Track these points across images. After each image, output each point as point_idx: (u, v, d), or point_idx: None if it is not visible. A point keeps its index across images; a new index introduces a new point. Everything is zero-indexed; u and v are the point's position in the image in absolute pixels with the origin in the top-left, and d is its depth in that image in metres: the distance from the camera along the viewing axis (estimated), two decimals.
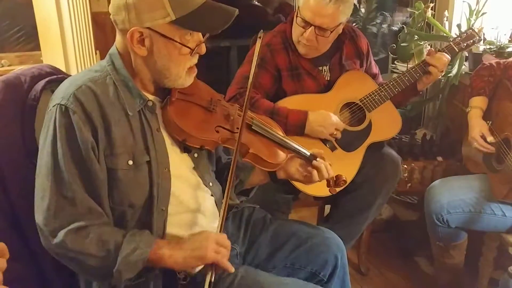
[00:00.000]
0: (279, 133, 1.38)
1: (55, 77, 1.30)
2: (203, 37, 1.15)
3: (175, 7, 1.08)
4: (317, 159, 1.36)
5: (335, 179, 1.40)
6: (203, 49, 1.16)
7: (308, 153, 1.38)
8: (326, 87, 1.92)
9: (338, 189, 1.40)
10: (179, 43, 1.11)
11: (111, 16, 1.14)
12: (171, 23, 1.09)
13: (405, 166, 2.27)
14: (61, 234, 1.06)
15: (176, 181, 1.20)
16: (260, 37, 1.21)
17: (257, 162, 1.29)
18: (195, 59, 1.18)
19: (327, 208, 2.20)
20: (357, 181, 1.86)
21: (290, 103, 1.84)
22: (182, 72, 1.16)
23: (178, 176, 1.20)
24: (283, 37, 1.88)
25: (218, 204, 1.31)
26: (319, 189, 1.76)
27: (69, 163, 1.07)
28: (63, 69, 1.62)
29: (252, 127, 1.32)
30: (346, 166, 1.81)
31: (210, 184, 1.29)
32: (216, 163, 1.39)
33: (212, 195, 1.29)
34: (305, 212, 2.52)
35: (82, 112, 1.08)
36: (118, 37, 1.16)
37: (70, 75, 1.25)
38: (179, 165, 1.22)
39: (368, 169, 1.88)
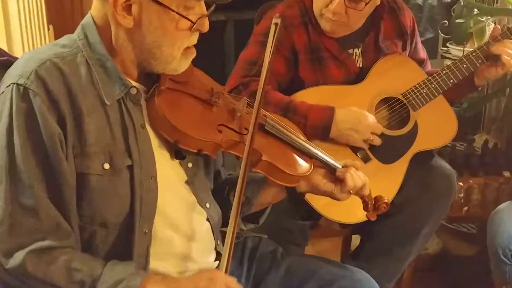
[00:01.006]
0: (300, 136, 1.41)
1: None
2: (208, 9, 1.18)
3: None
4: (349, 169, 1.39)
5: (373, 201, 1.42)
6: (205, 25, 1.17)
7: (340, 165, 1.40)
8: (358, 77, 1.93)
9: (376, 215, 1.43)
10: (178, 13, 1.13)
11: None
12: None
13: (461, 183, 2.28)
14: (18, 256, 1.07)
15: (164, 194, 1.21)
16: (276, 24, 1.21)
17: (272, 174, 1.31)
18: (194, 38, 1.19)
19: (355, 238, 2.21)
20: (397, 203, 1.86)
21: (309, 96, 1.86)
22: (177, 53, 1.18)
23: (167, 189, 1.22)
24: (301, 8, 1.90)
25: (214, 231, 1.32)
26: (348, 213, 1.77)
27: (30, 160, 1.08)
28: (5, 49, 1.61)
29: (266, 128, 1.33)
30: (383, 182, 1.81)
31: (207, 205, 1.31)
32: (213, 180, 1.40)
33: (208, 220, 1.30)
34: (326, 244, 2.53)
35: (46, 95, 1.09)
36: (97, 3, 1.17)
37: (17, 58, 1.24)
38: (169, 174, 1.24)
39: (412, 187, 1.89)
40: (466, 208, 2.31)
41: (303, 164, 1.36)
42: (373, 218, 1.43)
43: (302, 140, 1.39)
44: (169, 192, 1.22)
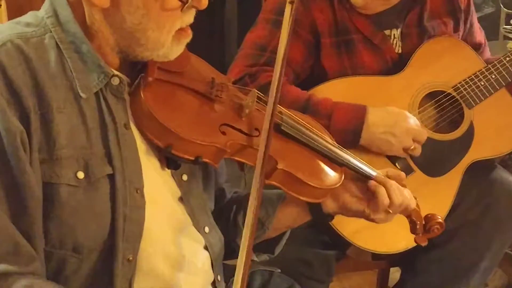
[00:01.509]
0: (326, 138, 1.42)
1: None
2: None
3: None
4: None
5: (424, 221, 1.43)
6: (203, 1, 1.19)
7: (374, 173, 1.41)
8: (396, 65, 1.95)
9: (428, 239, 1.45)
10: None
11: None
12: None
13: None
14: None
15: (153, 212, 1.22)
16: (292, 2, 1.22)
17: (290, 186, 1.31)
18: (189, 17, 1.21)
19: (394, 272, 2.22)
20: (448, 229, 1.84)
21: (334, 91, 1.88)
22: (167, 37, 1.19)
23: (155, 206, 1.23)
24: None
25: (214, 264, 1.33)
26: (387, 239, 1.78)
27: None
28: None
29: (282, 128, 1.34)
30: (429, 201, 1.78)
31: (206, 229, 1.32)
32: (216, 199, 1.42)
33: (206, 248, 1.31)
34: (357, 279, 2.54)
35: (5, 85, 1.10)
36: None
37: None
38: (158, 187, 1.26)
39: (467, 207, 1.91)
40: None
41: (330, 174, 1.37)
42: (424, 243, 1.44)
43: (329, 143, 1.40)
44: (158, 210, 1.24)
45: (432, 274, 1.92)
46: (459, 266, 1.91)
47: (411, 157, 1.86)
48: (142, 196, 1.20)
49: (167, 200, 1.27)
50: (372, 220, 1.41)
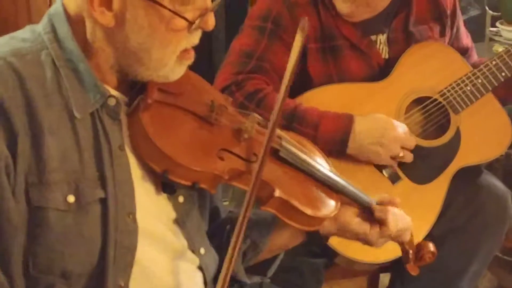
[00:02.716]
0: (324, 163, 1.41)
1: None
2: (213, 2, 1.18)
3: None
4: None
5: (416, 249, 1.43)
6: (210, 23, 1.18)
7: (374, 202, 1.41)
8: (382, 71, 1.95)
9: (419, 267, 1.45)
10: (170, 10, 1.13)
11: None
12: None
13: None
14: None
15: (145, 239, 1.20)
16: (303, 29, 1.18)
17: (286, 214, 1.30)
18: (195, 38, 1.20)
19: (383, 277, 2.22)
20: (437, 234, 1.88)
21: (319, 98, 1.88)
22: (171, 58, 1.19)
23: (148, 232, 1.21)
24: None
25: (208, 284, 1.32)
26: (372, 249, 1.75)
27: None
28: None
29: (280, 154, 1.32)
30: (417, 209, 1.82)
31: (202, 251, 1.31)
32: (210, 219, 1.41)
33: (201, 269, 1.31)
34: (347, 285, 2.51)
35: None
36: None
37: None
38: (152, 211, 1.24)
39: (455, 213, 1.91)
40: None
41: (327, 202, 1.36)
42: (415, 273, 1.44)
43: (328, 169, 1.39)
44: (150, 235, 1.22)
45: (421, 279, 1.88)
46: (449, 271, 1.92)
47: (399, 164, 1.86)
48: (135, 221, 1.18)
49: (161, 225, 1.25)
50: (371, 244, 1.40)
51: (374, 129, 1.80)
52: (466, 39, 2.10)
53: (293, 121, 1.78)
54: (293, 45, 1.19)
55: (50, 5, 1.24)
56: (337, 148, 1.80)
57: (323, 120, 1.79)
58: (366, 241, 1.40)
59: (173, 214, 1.27)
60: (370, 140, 1.79)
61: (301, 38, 1.18)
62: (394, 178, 1.86)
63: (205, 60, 2.95)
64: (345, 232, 1.41)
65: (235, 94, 1.79)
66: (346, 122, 1.80)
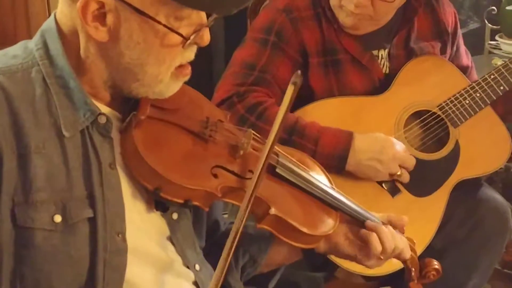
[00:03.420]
0: (323, 179, 1.40)
1: None
2: (208, 18, 1.16)
3: None
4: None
5: (419, 267, 1.42)
6: (205, 38, 1.17)
7: (378, 220, 1.40)
8: (383, 85, 1.96)
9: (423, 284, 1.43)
10: (165, 26, 1.12)
11: None
12: None
13: None
14: None
15: (135, 259, 1.19)
16: (295, 84, 1.14)
17: (282, 232, 1.29)
18: (189, 54, 1.19)
19: None
20: (437, 246, 1.89)
21: (320, 111, 1.89)
22: (166, 74, 1.18)
23: (138, 250, 1.20)
24: None
25: None
26: None
27: None
28: None
29: (277, 170, 1.31)
30: (417, 222, 1.81)
31: (196, 267, 1.30)
32: (209, 233, 1.40)
33: (196, 284, 1.29)
34: None
35: None
36: (63, 5, 1.17)
37: None
38: (143, 230, 1.22)
39: (454, 226, 1.91)
40: None
41: (324, 220, 1.35)
42: None
43: (326, 185, 1.38)
44: (141, 254, 1.21)
45: None
46: (449, 285, 1.91)
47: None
48: (124, 240, 1.16)
49: (152, 242, 1.23)
50: (363, 265, 1.40)
51: (374, 146, 1.80)
52: (466, 58, 2.11)
53: (293, 134, 1.78)
54: (285, 95, 1.16)
55: None
56: (336, 164, 1.80)
57: (323, 135, 1.80)
58: (359, 262, 1.40)
59: (166, 231, 1.25)
60: (369, 157, 1.80)
61: (292, 92, 1.14)
62: (393, 191, 1.86)
63: (205, 71, 2.96)
64: (336, 253, 1.40)
65: (236, 105, 1.80)
66: (346, 139, 1.80)
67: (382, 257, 1.37)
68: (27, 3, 2.10)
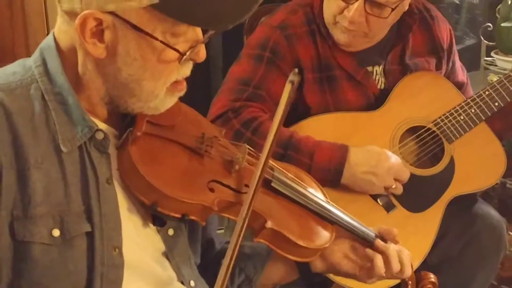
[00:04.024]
0: (318, 193, 1.41)
1: None
2: (204, 35, 1.18)
3: None
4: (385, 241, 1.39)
5: (416, 280, 1.42)
6: (201, 54, 1.18)
7: (373, 234, 1.41)
8: (378, 101, 1.97)
9: None
10: (162, 42, 1.13)
11: None
12: (150, 9, 1.11)
13: None
14: None
15: (131, 273, 1.20)
16: (292, 82, 1.16)
17: (278, 245, 1.30)
18: (185, 70, 1.20)
19: None
20: (432, 262, 1.89)
21: (316, 127, 1.90)
22: (161, 89, 1.19)
23: (134, 265, 1.20)
24: (307, 14, 1.94)
25: None
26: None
27: None
28: None
29: (273, 184, 1.33)
30: (412, 237, 1.84)
31: (191, 283, 1.30)
32: (204, 251, 1.40)
33: None
34: None
35: None
36: (61, 23, 1.18)
37: None
38: (139, 245, 1.23)
39: (449, 242, 1.92)
40: None
41: (320, 233, 1.36)
42: None
43: (321, 199, 1.39)
44: (137, 269, 1.22)
45: None
46: None
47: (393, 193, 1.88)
48: (121, 255, 1.17)
49: (148, 257, 1.24)
50: (363, 281, 1.40)
51: (369, 160, 1.81)
52: (461, 74, 2.12)
53: (288, 149, 1.79)
54: (282, 94, 1.17)
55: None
56: (332, 177, 1.81)
57: (318, 149, 1.81)
58: (359, 280, 1.40)
59: (161, 247, 1.26)
60: (364, 169, 1.80)
61: (290, 91, 1.16)
62: (388, 207, 1.87)
63: (203, 87, 2.97)
64: (336, 271, 1.41)
65: (232, 120, 1.81)
66: (341, 152, 1.81)
67: (384, 275, 1.37)
68: (25, 20, 2.12)
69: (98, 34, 1.12)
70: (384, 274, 1.37)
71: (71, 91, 1.16)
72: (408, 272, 1.39)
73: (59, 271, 1.13)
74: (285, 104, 1.16)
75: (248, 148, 1.31)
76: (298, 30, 1.91)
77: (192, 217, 1.21)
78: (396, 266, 1.37)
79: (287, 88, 1.15)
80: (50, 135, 1.15)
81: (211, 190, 1.23)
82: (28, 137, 1.12)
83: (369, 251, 1.37)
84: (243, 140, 1.75)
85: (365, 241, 1.40)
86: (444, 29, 2.04)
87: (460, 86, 2.09)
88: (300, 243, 1.29)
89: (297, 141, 1.82)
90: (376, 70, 1.98)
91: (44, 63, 1.18)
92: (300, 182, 1.39)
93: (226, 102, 1.85)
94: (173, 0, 1.10)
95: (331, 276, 1.74)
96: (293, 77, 1.15)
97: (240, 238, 1.13)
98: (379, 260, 1.35)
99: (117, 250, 1.18)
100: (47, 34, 1.24)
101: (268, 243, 1.29)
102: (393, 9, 1.80)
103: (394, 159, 1.84)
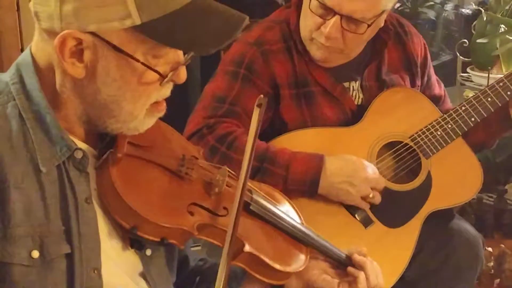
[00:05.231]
0: (295, 216, 1.42)
1: None
2: (185, 56, 1.18)
3: (142, 4, 1.09)
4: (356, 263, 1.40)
5: None
6: (182, 76, 1.19)
7: (343, 255, 1.42)
8: (355, 116, 1.99)
9: None
10: (143, 63, 1.13)
11: (30, 4, 1.15)
12: (132, 30, 1.11)
13: (490, 249, 2.33)
14: None
15: None
16: (260, 106, 1.18)
17: (254, 268, 1.30)
18: (166, 91, 1.21)
19: None
20: (409, 277, 1.90)
21: (293, 142, 1.91)
22: (141, 110, 1.19)
23: (113, 286, 1.20)
24: (283, 31, 1.95)
25: None
26: None
27: None
28: None
29: (251, 208, 1.34)
30: (389, 252, 1.85)
31: None
32: (178, 268, 1.39)
33: None
34: None
35: None
36: (39, 40, 1.17)
37: None
38: (118, 266, 1.22)
39: (426, 257, 1.93)
40: (498, 280, 2.35)
41: (296, 256, 1.37)
42: None
43: (297, 222, 1.41)
44: None
45: None
46: None
47: (371, 208, 1.88)
48: (100, 276, 1.17)
49: (127, 278, 1.23)
50: None
51: (345, 169, 1.82)
52: (438, 87, 2.14)
53: (264, 161, 1.80)
54: (252, 119, 1.18)
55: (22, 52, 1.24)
56: (308, 188, 1.81)
57: (294, 161, 1.81)
58: None
59: (139, 267, 1.26)
60: (340, 179, 1.81)
61: (258, 115, 1.17)
62: (366, 222, 1.88)
63: (181, 105, 2.97)
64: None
65: (206, 137, 1.81)
66: (316, 162, 1.82)
67: None
68: None
69: (78, 53, 1.11)
70: None
71: (48, 110, 1.15)
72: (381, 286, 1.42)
73: None
74: (255, 128, 1.17)
75: (228, 171, 1.31)
76: (274, 46, 1.92)
77: (171, 241, 1.21)
78: (374, 281, 1.39)
79: (255, 113, 1.17)
80: (28, 155, 1.14)
81: (191, 213, 1.23)
82: (7, 157, 1.12)
83: (350, 268, 1.39)
84: (218, 155, 1.77)
85: (340, 262, 1.41)
86: (417, 44, 2.06)
87: (437, 99, 2.11)
88: (277, 267, 1.30)
89: (273, 153, 1.82)
90: (353, 86, 1.99)
91: (21, 80, 1.17)
92: (275, 202, 1.40)
93: (200, 119, 1.86)
94: (155, 22, 1.09)
95: None
96: (260, 101, 1.17)
97: (227, 259, 1.13)
98: (362, 276, 1.37)
99: (96, 271, 1.17)
100: (21, 50, 1.24)
101: (245, 266, 1.29)
102: (369, 25, 1.82)
103: (370, 168, 1.85)
